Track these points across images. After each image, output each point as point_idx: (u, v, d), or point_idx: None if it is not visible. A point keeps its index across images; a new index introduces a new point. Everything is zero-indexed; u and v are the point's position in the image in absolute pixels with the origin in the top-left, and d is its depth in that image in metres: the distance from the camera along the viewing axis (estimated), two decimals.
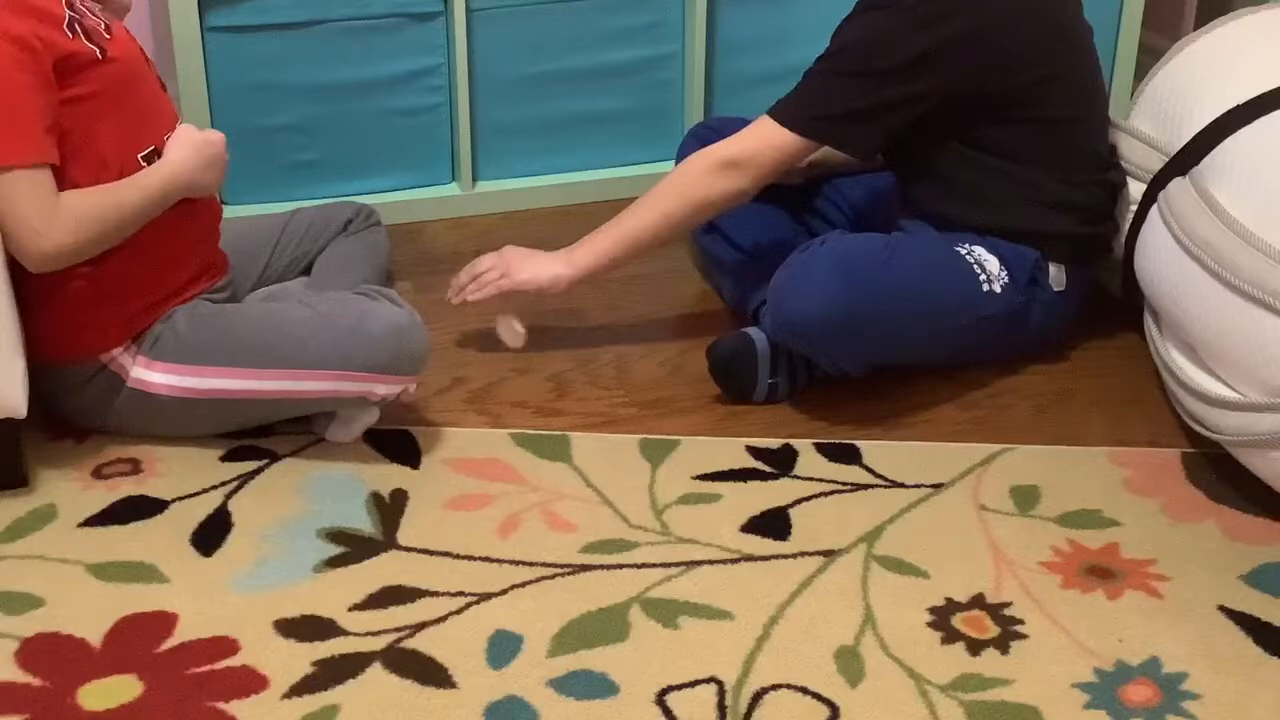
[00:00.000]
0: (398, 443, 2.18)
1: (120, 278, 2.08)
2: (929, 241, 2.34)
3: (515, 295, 2.42)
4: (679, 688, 1.75)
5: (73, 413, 2.17)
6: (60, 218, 1.97)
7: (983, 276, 2.29)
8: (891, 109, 2.26)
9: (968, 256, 2.30)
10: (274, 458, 2.15)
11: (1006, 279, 2.30)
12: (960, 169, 2.35)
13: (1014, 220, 2.33)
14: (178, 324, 2.12)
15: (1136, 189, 2.37)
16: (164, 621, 1.84)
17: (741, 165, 2.29)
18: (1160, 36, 3.16)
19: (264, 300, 2.31)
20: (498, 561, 1.96)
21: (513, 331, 2.45)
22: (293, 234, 2.46)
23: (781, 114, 2.29)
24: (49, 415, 2.19)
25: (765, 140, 2.29)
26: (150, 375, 2.10)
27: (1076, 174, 2.36)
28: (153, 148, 2.12)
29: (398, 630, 1.83)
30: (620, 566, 1.95)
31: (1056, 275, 2.36)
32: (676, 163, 2.68)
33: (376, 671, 1.76)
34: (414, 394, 2.19)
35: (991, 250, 2.31)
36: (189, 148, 2.13)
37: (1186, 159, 2.22)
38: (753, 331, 2.33)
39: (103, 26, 2.08)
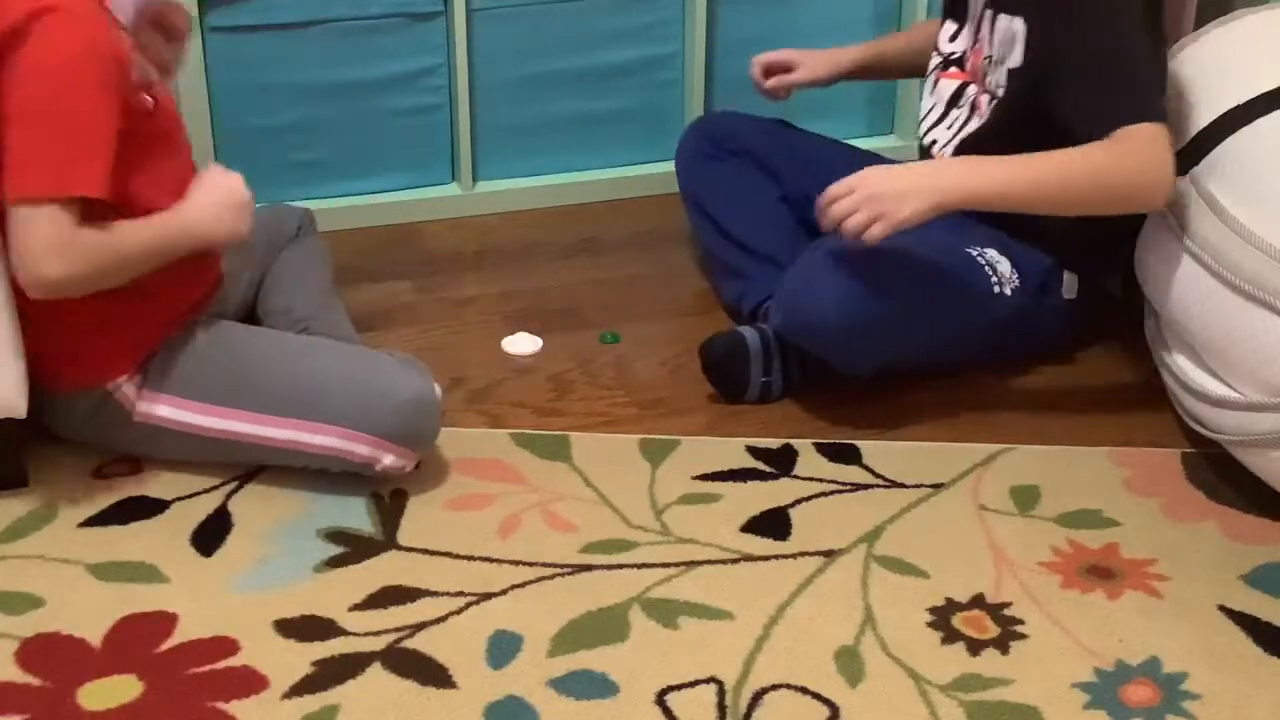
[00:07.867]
0: None
1: (126, 305, 2.01)
2: (940, 243, 2.32)
3: None
4: (679, 688, 1.75)
5: (79, 436, 2.13)
6: (71, 250, 1.86)
7: (994, 279, 2.27)
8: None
9: (979, 258, 2.28)
10: None
11: (1017, 282, 2.29)
12: None
13: (1035, 221, 2.25)
14: (180, 353, 2.05)
15: None
16: (164, 621, 1.84)
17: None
18: None
19: (295, 335, 2.21)
20: (498, 561, 1.96)
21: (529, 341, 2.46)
22: (258, 245, 2.33)
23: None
24: None
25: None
26: (157, 409, 2.05)
27: None
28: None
29: (398, 630, 1.83)
30: (620, 566, 1.95)
31: (1070, 283, 2.35)
32: (676, 159, 2.68)
33: (376, 671, 1.76)
34: (407, 471, 2.08)
35: (1004, 252, 2.30)
36: (211, 194, 2.02)
37: (1187, 159, 2.22)
38: (745, 330, 2.32)
39: (150, 77, 2.01)
